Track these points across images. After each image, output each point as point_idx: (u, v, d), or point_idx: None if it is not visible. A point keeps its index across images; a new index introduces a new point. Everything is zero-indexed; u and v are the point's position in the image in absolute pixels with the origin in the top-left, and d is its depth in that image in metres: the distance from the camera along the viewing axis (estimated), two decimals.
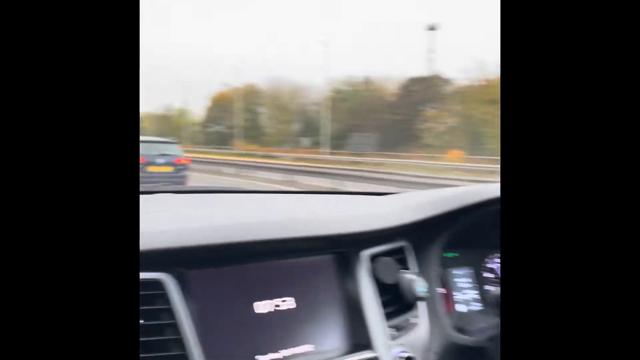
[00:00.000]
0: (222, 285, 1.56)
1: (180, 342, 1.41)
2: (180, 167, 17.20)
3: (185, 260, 1.50)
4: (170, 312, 1.43)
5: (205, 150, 50.82)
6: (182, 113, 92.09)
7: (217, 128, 78.94)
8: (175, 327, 1.42)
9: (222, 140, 71.72)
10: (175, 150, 17.68)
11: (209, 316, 1.52)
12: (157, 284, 1.45)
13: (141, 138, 18.18)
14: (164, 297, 1.44)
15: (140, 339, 1.36)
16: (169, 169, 17.10)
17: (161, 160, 17.08)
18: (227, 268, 1.57)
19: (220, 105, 78.01)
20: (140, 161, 16.51)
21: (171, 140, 18.70)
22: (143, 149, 17.13)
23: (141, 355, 1.36)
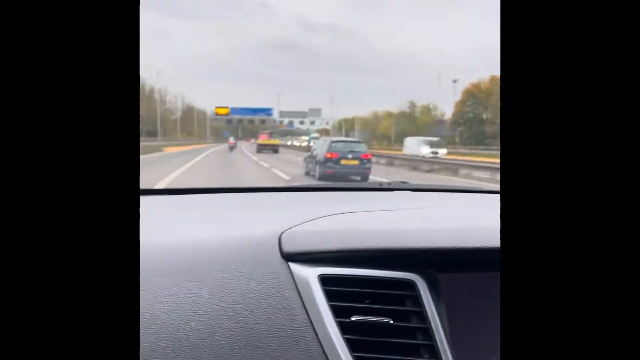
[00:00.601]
0: (471, 292, 1.44)
1: (431, 348, 1.32)
2: (364, 161, 22.56)
3: (434, 262, 1.42)
4: (421, 315, 1.35)
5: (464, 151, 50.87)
6: (426, 110, 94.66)
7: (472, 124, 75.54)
8: (426, 332, 1.33)
9: (480, 138, 70.01)
10: (362, 148, 23.25)
11: (459, 323, 1.40)
12: (408, 285, 1.38)
13: (336, 139, 24.62)
14: (415, 299, 1.37)
15: (388, 340, 1.31)
16: (356, 162, 22.44)
17: (350, 156, 22.55)
18: (477, 274, 1.45)
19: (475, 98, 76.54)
20: (334, 156, 22.59)
21: (358, 140, 24.59)
22: (338, 147, 23.11)
23: (389, 356, 1.29)
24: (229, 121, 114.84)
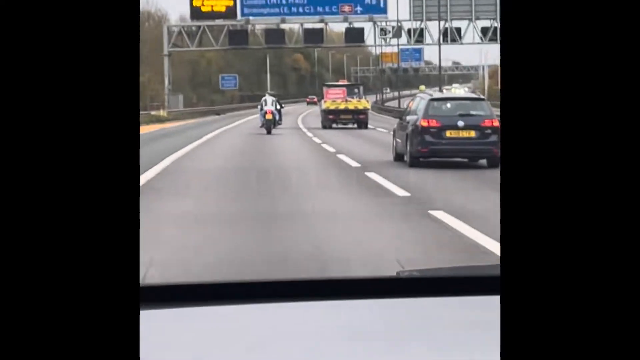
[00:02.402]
0: None
1: None
2: (487, 131, 13.88)
3: None
4: None
5: None
6: None
7: None
8: None
9: None
10: (483, 109, 14.47)
11: None
12: None
13: (438, 95, 15.63)
14: None
15: None
16: (471, 133, 13.93)
17: (461, 123, 13.95)
18: None
19: None
20: (435, 124, 13.47)
21: (477, 96, 15.73)
22: (442, 108, 14.47)
23: None
24: (238, 39, 54.67)
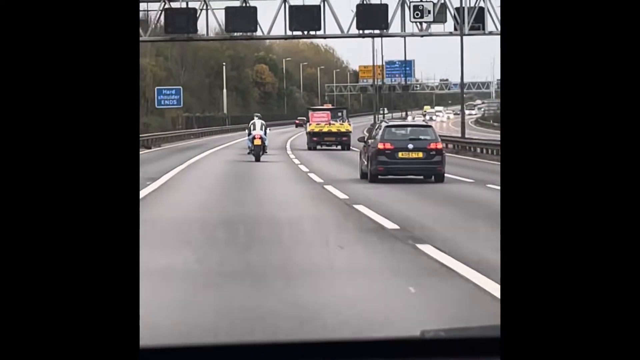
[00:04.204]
0: None
1: None
2: (432, 153, 16.94)
3: None
4: None
5: None
6: None
7: None
8: None
9: None
10: (429, 134, 17.53)
11: None
12: None
13: (393, 122, 18.57)
14: None
15: None
16: (419, 154, 16.99)
17: (411, 146, 16.99)
18: None
19: None
20: (389, 147, 16.42)
21: (425, 124, 18.85)
22: (395, 134, 17.42)
23: None
24: (179, 23, 32.61)
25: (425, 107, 55.80)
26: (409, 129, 18.01)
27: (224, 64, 73.86)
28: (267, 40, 68.98)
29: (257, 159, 25.02)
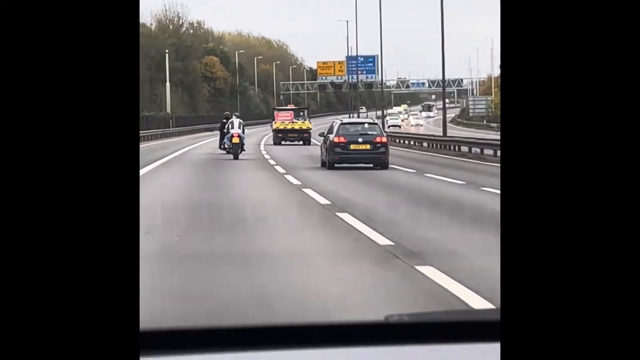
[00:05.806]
0: None
1: None
2: (377, 146, 20.59)
3: None
4: None
5: None
6: None
7: None
8: None
9: None
10: (376, 130, 21.32)
11: None
12: None
13: (346, 120, 21.90)
14: None
15: None
16: (367, 146, 20.63)
17: (360, 140, 20.70)
18: None
19: None
20: (343, 141, 19.82)
21: (372, 122, 22.76)
22: (348, 130, 21.02)
23: None
24: None
25: (403, 105, 52.34)
26: (359, 125, 21.83)
27: (167, 51, 64.85)
28: (217, 30, 67.04)
29: (236, 157, 26.06)
